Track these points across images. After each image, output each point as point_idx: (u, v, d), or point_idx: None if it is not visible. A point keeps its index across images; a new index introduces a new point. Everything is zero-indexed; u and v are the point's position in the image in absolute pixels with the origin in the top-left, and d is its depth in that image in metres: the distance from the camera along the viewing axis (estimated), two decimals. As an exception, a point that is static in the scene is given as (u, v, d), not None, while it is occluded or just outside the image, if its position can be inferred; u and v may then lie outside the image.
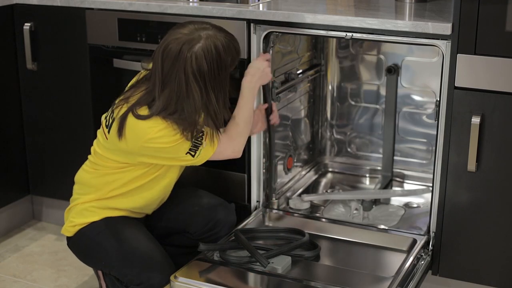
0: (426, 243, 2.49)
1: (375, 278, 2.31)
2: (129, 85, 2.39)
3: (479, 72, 2.30)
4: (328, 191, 3.09)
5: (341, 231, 2.59)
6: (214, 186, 2.73)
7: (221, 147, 2.30)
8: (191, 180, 2.70)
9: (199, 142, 2.24)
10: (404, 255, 2.41)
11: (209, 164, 2.52)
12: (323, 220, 2.71)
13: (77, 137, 3.02)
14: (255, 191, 2.72)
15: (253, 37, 2.57)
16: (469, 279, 2.51)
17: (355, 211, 2.80)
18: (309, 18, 2.48)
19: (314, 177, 3.19)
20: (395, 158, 3.10)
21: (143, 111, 2.20)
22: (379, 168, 3.16)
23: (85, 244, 2.36)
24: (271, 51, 2.64)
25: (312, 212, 2.82)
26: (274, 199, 2.81)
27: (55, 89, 3.02)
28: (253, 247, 2.31)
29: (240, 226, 2.54)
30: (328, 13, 2.54)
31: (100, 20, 2.82)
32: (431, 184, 2.51)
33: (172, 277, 2.22)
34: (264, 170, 2.73)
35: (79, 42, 2.89)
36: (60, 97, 3.02)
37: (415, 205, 2.90)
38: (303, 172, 3.15)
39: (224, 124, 2.34)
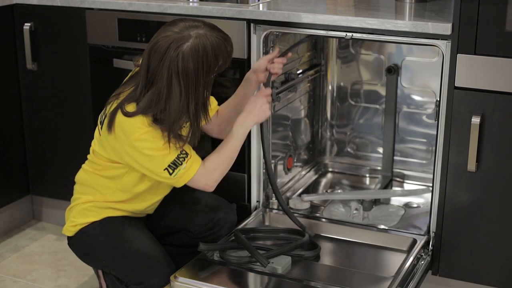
0: (426, 243, 2.50)
1: (375, 278, 2.31)
2: (123, 82, 2.39)
3: (479, 72, 2.30)
4: (328, 191, 3.09)
5: (341, 231, 2.59)
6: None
7: (196, 176, 2.23)
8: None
9: (180, 162, 2.19)
10: (404, 255, 2.41)
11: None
12: (323, 220, 2.71)
13: (77, 137, 3.02)
14: (255, 191, 2.72)
15: (253, 37, 2.57)
16: (469, 279, 2.51)
17: (355, 211, 2.80)
18: (309, 18, 2.48)
19: (314, 177, 3.19)
20: (395, 158, 3.10)
21: (131, 107, 2.18)
22: (379, 168, 3.16)
23: (85, 243, 2.36)
24: (270, 51, 2.64)
25: (312, 212, 2.82)
26: (274, 199, 2.81)
27: (55, 89, 3.02)
28: (253, 247, 2.31)
29: (240, 226, 2.54)
30: (328, 13, 2.54)
31: (100, 20, 2.82)
32: (431, 184, 2.51)
33: (172, 277, 2.22)
34: (264, 170, 2.73)
35: (79, 42, 2.89)
36: (60, 97, 3.02)
37: (415, 205, 2.90)
38: (303, 172, 3.15)
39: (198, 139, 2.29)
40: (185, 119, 2.20)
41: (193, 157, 2.23)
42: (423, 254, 2.46)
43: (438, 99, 2.41)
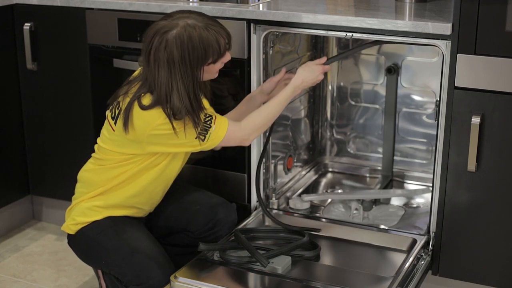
0: (426, 243, 2.50)
1: (375, 278, 2.31)
2: (128, 80, 2.39)
3: (479, 72, 2.30)
4: (328, 191, 3.09)
5: (341, 231, 2.59)
6: (214, 186, 2.74)
7: (229, 133, 2.26)
8: (191, 180, 2.71)
9: (208, 126, 2.23)
10: (404, 255, 2.41)
11: (209, 164, 2.53)
12: (323, 220, 2.71)
13: (77, 137, 3.02)
14: (255, 191, 2.72)
15: (253, 37, 2.57)
16: (469, 279, 2.51)
17: (355, 211, 2.80)
18: (309, 18, 2.48)
19: (314, 177, 3.18)
20: (395, 158, 3.10)
21: (147, 99, 2.20)
22: (379, 168, 3.16)
23: (86, 243, 2.36)
24: (270, 51, 2.64)
25: (312, 212, 2.82)
26: (274, 199, 2.81)
27: (55, 89, 3.02)
28: (253, 247, 2.31)
29: (240, 226, 2.54)
30: (328, 13, 2.53)
31: (100, 20, 2.82)
32: (431, 184, 2.51)
33: (172, 277, 2.22)
34: (264, 170, 2.73)
35: (79, 42, 2.89)
36: (60, 97, 3.02)
37: (415, 205, 2.90)
38: (303, 172, 3.15)
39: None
40: (185, 114, 2.20)
41: (218, 117, 2.27)
42: (423, 254, 2.46)
43: (438, 99, 2.41)
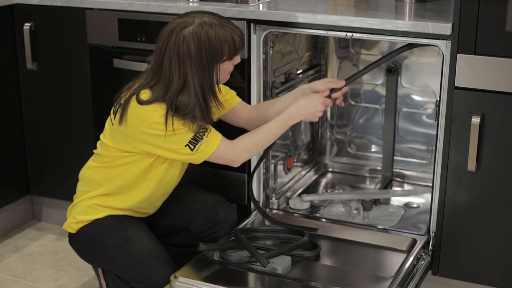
0: (426, 243, 2.49)
1: (375, 278, 2.31)
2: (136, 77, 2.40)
3: (479, 72, 2.30)
4: (328, 191, 3.09)
5: (341, 231, 2.59)
6: (214, 186, 2.74)
7: (219, 150, 2.25)
8: (191, 180, 2.71)
9: (200, 136, 2.22)
10: (404, 255, 2.41)
11: (209, 164, 2.52)
12: (323, 220, 2.71)
13: (77, 137, 3.02)
14: (255, 191, 2.72)
15: (253, 37, 2.57)
16: (469, 279, 2.51)
17: (355, 211, 2.80)
18: (309, 18, 2.48)
19: (314, 177, 3.19)
20: (395, 158, 3.10)
21: (145, 95, 2.20)
22: (379, 168, 3.16)
23: (87, 241, 2.37)
24: (270, 51, 2.64)
25: (312, 212, 2.82)
26: (274, 199, 2.81)
27: (55, 89, 3.02)
28: (253, 247, 2.31)
29: (240, 226, 2.54)
30: (328, 13, 2.54)
31: (100, 20, 2.82)
32: (431, 184, 2.51)
33: (172, 277, 2.22)
34: (264, 170, 2.73)
35: (79, 42, 2.89)
36: (60, 97, 3.02)
37: (415, 205, 2.90)
38: (303, 172, 3.15)
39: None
40: (193, 111, 2.20)
41: (213, 131, 2.25)
42: (423, 254, 2.46)
43: (438, 99, 2.41)
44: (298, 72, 2.98)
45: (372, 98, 3.15)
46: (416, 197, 2.95)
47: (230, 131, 2.48)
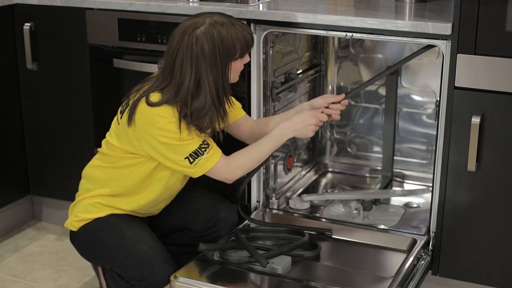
0: (426, 243, 2.49)
1: (375, 278, 2.31)
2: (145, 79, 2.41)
3: (479, 72, 2.30)
4: (328, 191, 3.09)
5: (341, 231, 2.59)
6: (214, 186, 2.73)
7: (216, 168, 2.26)
8: (191, 180, 2.70)
9: (201, 152, 2.23)
10: (404, 255, 2.41)
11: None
12: (323, 220, 2.71)
13: (77, 137, 3.02)
14: (255, 191, 2.73)
15: (253, 37, 2.56)
16: (469, 279, 2.51)
17: (355, 211, 2.80)
18: (309, 18, 2.48)
19: (314, 177, 3.19)
20: (395, 158, 3.10)
21: (155, 97, 2.21)
22: (379, 168, 3.16)
23: (88, 239, 2.37)
24: (270, 51, 2.64)
25: (312, 212, 2.82)
26: (274, 199, 2.81)
27: (55, 89, 3.02)
28: (253, 247, 2.31)
29: (240, 226, 2.54)
30: (328, 13, 2.54)
31: (100, 20, 2.82)
32: (431, 184, 2.51)
33: (172, 277, 2.22)
34: (264, 170, 2.73)
35: (79, 42, 2.89)
36: (60, 97, 3.02)
37: (415, 205, 2.90)
38: (303, 172, 3.15)
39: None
40: (210, 112, 2.21)
41: (214, 148, 2.27)
42: (423, 254, 2.46)
43: (438, 99, 2.41)
44: (298, 72, 2.99)
45: (372, 98, 3.15)
46: (416, 197, 2.95)
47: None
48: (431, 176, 2.54)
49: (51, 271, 2.90)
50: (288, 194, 2.95)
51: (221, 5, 2.62)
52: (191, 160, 2.22)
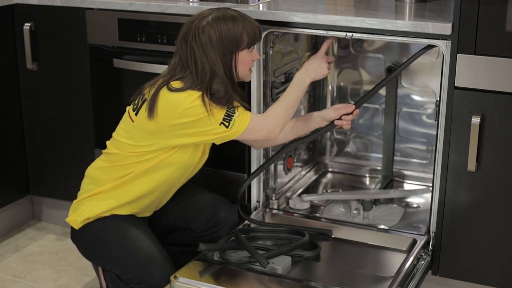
0: (426, 243, 2.50)
1: (375, 278, 2.31)
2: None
3: (479, 72, 2.30)
4: (328, 191, 3.09)
5: (341, 231, 2.59)
6: (214, 186, 2.73)
7: (253, 123, 2.30)
8: (192, 180, 2.70)
9: (232, 112, 2.26)
10: (404, 255, 2.41)
11: (209, 164, 2.52)
12: (323, 220, 2.71)
13: (77, 137, 3.02)
14: (255, 191, 2.72)
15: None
16: (469, 279, 2.51)
17: (355, 211, 2.80)
18: (309, 18, 2.48)
19: (314, 177, 3.19)
20: (395, 158, 3.10)
21: (177, 84, 2.25)
22: (379, 168, 3.16)
23: (89, 238, 2.37)
24: (270, 51, 2.64)
25: (312, 212, 2.82)
26: (274, 199, 2.81)
27: (55, 89, 3.02)
28: (253, 247, 2.31)
29: (240, 226, 2.54)
30: (328, 13, 2.54)
31: (100, 20, 2.82)
32: (431, 184, 2.51)
33: (172, 277, 2.22)
34: (264, 170, 2.73)
35: (79, 42, 2.89)
36: (60, 97, 3.02)
37: (415, 205, 2.90)
38: (303, 172, 3.15)
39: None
40: (228, 93, 2.27)
41: (241, 108, 2.32)
42: (423, 254, 2.46)
43: (438, 99, 2.41)
44: (298, 72, 2.98)
45: (372, 98, 3.14)
46: (416, 197, 2.95)
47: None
48: (431, 176, 2.54)
49: (51, 271, 2.90)
50: (288, 194, 2.95)
51: (221, 5, 2.62)
52: (226, 124, 2.26)
